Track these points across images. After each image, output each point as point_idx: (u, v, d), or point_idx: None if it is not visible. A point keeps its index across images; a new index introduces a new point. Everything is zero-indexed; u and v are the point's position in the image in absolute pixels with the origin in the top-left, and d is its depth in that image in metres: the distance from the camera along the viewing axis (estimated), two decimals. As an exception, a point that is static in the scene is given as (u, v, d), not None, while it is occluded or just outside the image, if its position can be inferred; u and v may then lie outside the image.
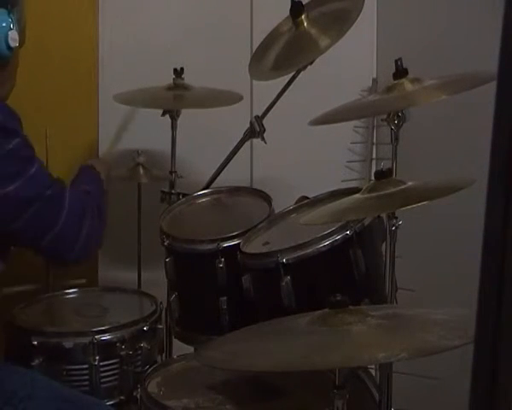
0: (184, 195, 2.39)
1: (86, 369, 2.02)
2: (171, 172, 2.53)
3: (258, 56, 2.34)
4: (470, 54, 2.38)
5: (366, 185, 1.73)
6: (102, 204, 2.10)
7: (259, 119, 2.29)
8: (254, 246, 1.98)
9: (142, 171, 2.57)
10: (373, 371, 1.98)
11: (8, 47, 1.84)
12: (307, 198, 2.11)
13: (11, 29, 1.84)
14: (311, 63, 2.21)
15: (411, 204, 1.56)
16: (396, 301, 1.88)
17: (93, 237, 2.02)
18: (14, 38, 1.85)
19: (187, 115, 2.53)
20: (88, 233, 1.96)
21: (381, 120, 1.99)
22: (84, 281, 2.36)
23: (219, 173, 2.35)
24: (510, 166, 0.62)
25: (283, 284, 1.81)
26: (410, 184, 1.64)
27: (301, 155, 2.82)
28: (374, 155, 2.81)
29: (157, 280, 2.31)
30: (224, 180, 2.37)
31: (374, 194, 1.65)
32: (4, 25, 1.83)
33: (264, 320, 1.72)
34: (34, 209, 1.83)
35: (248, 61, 2.35)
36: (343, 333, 1.39)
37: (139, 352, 2.10)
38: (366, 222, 1.85)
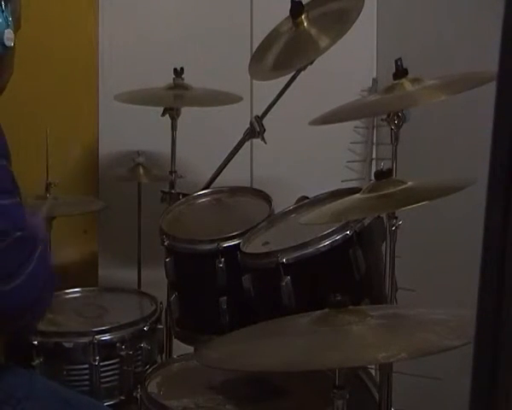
0: (184, 195, 2.39)
1: (86, 369, 2.02)
2: (171, 172, 2.53)
3: (258, 56, 2.34)
4: (470, 54, 2.38)
5: (366, 185, 1.72)
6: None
7: (259, 119, 2.29)
8: (254, 246, 1.98)
9: (142, 171, 2.57)
10: (373, 371, 1.98)
11: (4, 46, 1.83)
12: (307, 198, 2.11)
13: (7, 27, 1.82)
14: (311, 63, 2.21)
15: (411, 204, 1.56)
16: (396, 301, 1.88)
17: (43, 310, 1.69)
18: (9, 37, 1.83)
19: (187, 115, 2.53)
20: (45, 306, 1.64)
21: (381, 120, 1.99)
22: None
23: (219, 173, 2.35)
24: (510, 166, 0.62)
25: (283, 284, 1.81)
26: (410, 184, 1.64)
27: (301, 155, 2.83)
28: (374, 155, 2.81)
29: (157, 280, 2.31)
30: (224, 180, 2.37)
31: (374, 194, 1.65)
32: None
33: (264, 320, 1.72)
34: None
35: (248, 61, 2.35)
36: (343, 333, 1.39)
37: (139, 352, 2.10)
38: (366, 222, 1.85)
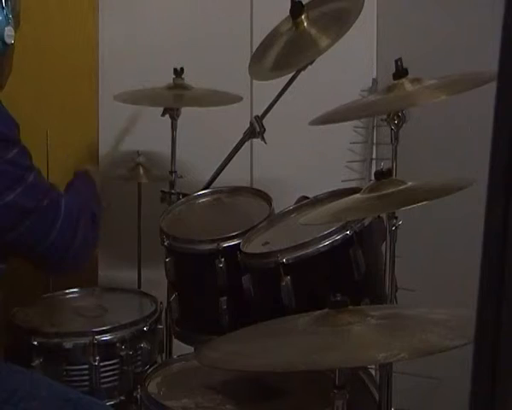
0: (184, 195, 2.39)
1: (86, 369, 2.02)
2: (171, 172, 2.53)
3: (258, 56, 2.34)
4: (470, 54, 2.38)
5: (366, 185, 1.72)
6: (97, 209, 2.07)
7: (259, 119, 2.29)
8: (254, 246, 1.98)
9: (142, 171, 2.57)
10: (373, 371, 1.98)
11: (4, 44, 1.83)
12: (307, 198, 2.11)
13: (7, 25, 1.82)
14: (311, 63, 2.21)
15: (411, 204, 1.56)
16: (396, 301, 1.88)
17: (87, 244, 1.96)
18: (10, 34, 1.83)
19: (187, 115, 2.53)
20: (82, 240, 1.90)
21: (381, 120, 1.98)
22: None
23: (219, 173, 2.35)
24: (510, 166, 0.62)
25: (283, 284, 1.81)
26: (410, 184, 1.64)
27: (301, 155, 2.83)
28: (374, 155, 2.81)
29: (157, 280, 2.31)
30: (223, 180, 2.37)
31: (374, 194, 1.65)
32: None
33: (264, 320, 1.72)
34: (31, 221, 1.78)
35: (248, 61, 2.35)
36: (343, 333, 1.39)
37: (139, 352, 2.10)
38: (366, 222, 1.85)
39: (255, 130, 2.28)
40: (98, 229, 2.04)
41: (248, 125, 2.30)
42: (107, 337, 2.05)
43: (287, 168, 2.81)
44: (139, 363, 2.10)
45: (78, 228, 1.89)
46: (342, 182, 2.56)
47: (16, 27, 1.89)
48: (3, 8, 1.81)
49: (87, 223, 1.95)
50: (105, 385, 2.04)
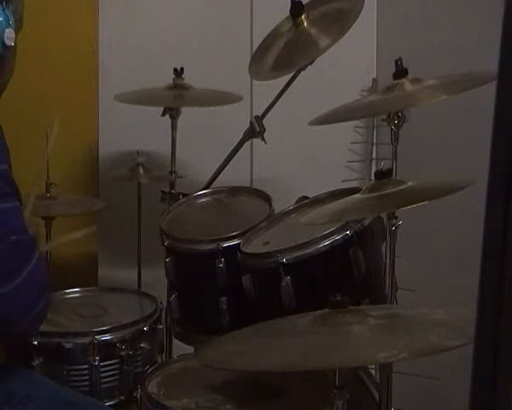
0: (184, 195, 2.39)
1: (86, 369, 2.02)
2: (171, 172, 2.53)
3: (258, 56, 2.34)
4: (470, 54, 2.38)
5: (366, 185, 1.72)
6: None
7: (259, 119, 2.29)
8: (254, 246, 1.98)
9: (142, 171, 2.57)
10: (373, 371, 1.98)
11: (4, 46, 1.82)
12: (307, 198, 2.11)
13: (8, 26, 1.81)
14: (311, 63, 2.21)
15: (411, 204, 1.56)
16: (396, 301, 1.88)
17: (43, 315, 1.63)
18: (10, 36, 1.82)
19: (187, 115, 2.53)
20: (42, 309, 1.58)
21: (381, 120, 1.99)
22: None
23: (219, 173, 2.35)
24: (510, 166, 0.62)
25: (283, 284, 1.81)
26: (410, 184, 1.64)
27: (301, 155, 2.83)
28: (374, 155, 2.81)
29: (157, 280, 2.31)
30: (223, 180, 2.37)
31: (374, 194, 1.65)
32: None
33: (264, 320, 1.72)
34: None
35: (248, 61, 2.35)
36: (343, 333, 1.39)
37: (139, 352, 2.10)
38: (366, 222, 1.85)
39: (255, 130, 2.28)
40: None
41: (248, 125, 2.31)
42: (107, 337, 2.05)
43: (287, 168, 2.81)
44: (139, 363, 2.09)
45: (44, 291, 1.59)
46: (342, 182, 2.56)
47: (18, 30, 1.88)
48: (4, 9, 1.81)
49: (49, 295, 1.63)
50: (105, 385, 2.04)
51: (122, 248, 2.79)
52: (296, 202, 2.13)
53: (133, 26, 2.79)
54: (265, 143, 2.30)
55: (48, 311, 1.64)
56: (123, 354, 2.05)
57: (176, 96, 2.51)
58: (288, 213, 2.10)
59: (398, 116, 1.85)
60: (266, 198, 2.21)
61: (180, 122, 2.52)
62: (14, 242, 1.52)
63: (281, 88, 2.29)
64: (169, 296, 2.18)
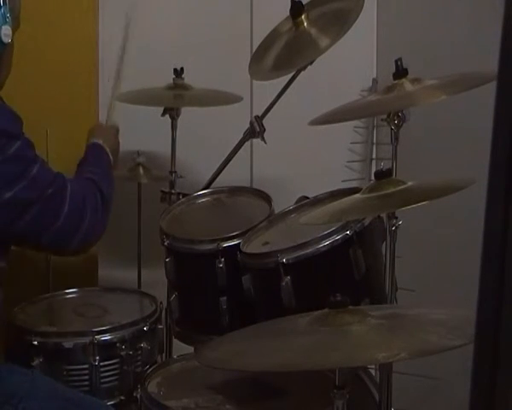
0: (184, 195, 2.39)
1: (86, 369, 2.02)
2: (171, 172, 2.53)
3: (258, 56, 2.34)
4: (470, 54, 2.38)
5: (366, 185, 1.72)
6: (108, 189, 2.03)
7: (259, 119, 2.29)
8: (254, 246, 1.98)
9: (142, 171, 2.57)
10: (373, 371, 1.98)
11: (1, 43, 1.82)
12: (307, 198, 2.11)
13: (4, 23, 1.81)
14: (311, 63, 2.21)
15: (411, 204, 1.56)
16: (396, 301, 1.88)
17: (94, 228, 1.95)
18: (6, 33, 1.82)
19: (187, 115, 2.53)
20: (89, 224, 1.91)
21: (381, 120, 1.98)
22: None
23: (219, 173, 2.35)
24: (510, 166, 0.62)
25: (283, 284, 1.81)
26: (410, 184, 1.64)
27: (301, 155, 2.82)
28: (374, 155, 2.81)
29: (157, 280, 2.31)
30: (223, 180, 2.37)
31: (374, 194, 1.65)
32: None
33: (264, 320, 1.72)
34: (35, 211, 1.80)
35: (248, 61, 2.35)
36: (343, 333, 1.39)
37: (139, 352, 2.10)
38: (366, 222, 1.85)
39: (255, 130, 2.28)
40: (108, 207, 2.01)
41: (248, 125, 2.30)
42: (107, 337, 2.05)
43: (287, 168, 2.81)
44: (139, 363, 2.09)
45: (84, 214, 1.91)
46: (342, 182, 2.56)
47: (15, 28, 1.88)
48: (1, 6, 1.80)
49: (94, 208, 1.95)
50: (105, 385, 2.04)
51: (122, 248, 2.79)
52: (296, 202, 2.13)
53: (133, 26, 2.78)
54: (265, 143, 2.30)
55: (99, 227, 1.97)
56: (123, 353, 2.05)
57: (176, 96, 2.50)
58: (288, 213, 2.10)
59: (398, 116, 1.85)
60: (266, 198, 2.21)
61: (180, 122, 2.52)
62: (50, 193, 1.83)
63: (281, 88, 2.29)
64: (169, 296, 2.18)
